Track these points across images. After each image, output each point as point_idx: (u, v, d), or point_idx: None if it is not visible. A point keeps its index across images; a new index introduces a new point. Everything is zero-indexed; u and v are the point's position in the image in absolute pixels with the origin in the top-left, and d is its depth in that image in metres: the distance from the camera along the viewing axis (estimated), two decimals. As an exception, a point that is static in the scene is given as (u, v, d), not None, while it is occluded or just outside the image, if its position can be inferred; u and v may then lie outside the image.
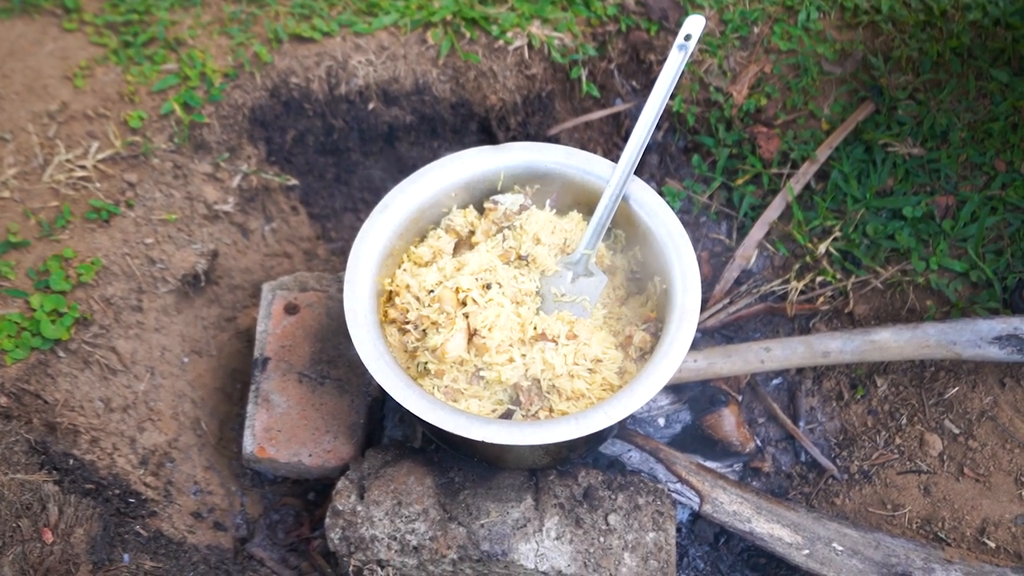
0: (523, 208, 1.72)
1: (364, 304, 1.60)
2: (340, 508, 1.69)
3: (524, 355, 1.60)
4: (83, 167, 1.95)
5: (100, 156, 1.97)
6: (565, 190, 1.74)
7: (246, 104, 2.10)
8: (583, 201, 1.75)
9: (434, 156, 1.75)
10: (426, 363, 1.63)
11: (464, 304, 1.62)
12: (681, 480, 1.81)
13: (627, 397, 1.50)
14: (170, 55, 2.11)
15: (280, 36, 2.13)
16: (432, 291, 1.64)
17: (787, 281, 2.09)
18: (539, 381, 1.59)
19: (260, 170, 2.16)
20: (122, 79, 2.07)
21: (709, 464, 1.95)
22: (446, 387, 1.61)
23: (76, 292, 1.83)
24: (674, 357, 1.52)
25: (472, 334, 1.61)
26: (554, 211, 1.74)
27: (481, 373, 1.60)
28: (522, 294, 1.67)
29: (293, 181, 2.24)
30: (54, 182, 1.92)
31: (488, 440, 1.45)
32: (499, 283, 1.64)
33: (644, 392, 1.49)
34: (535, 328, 1.61)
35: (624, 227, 1.72)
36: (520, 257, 1.69)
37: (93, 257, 1.86)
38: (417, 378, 1.63)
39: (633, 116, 2.30)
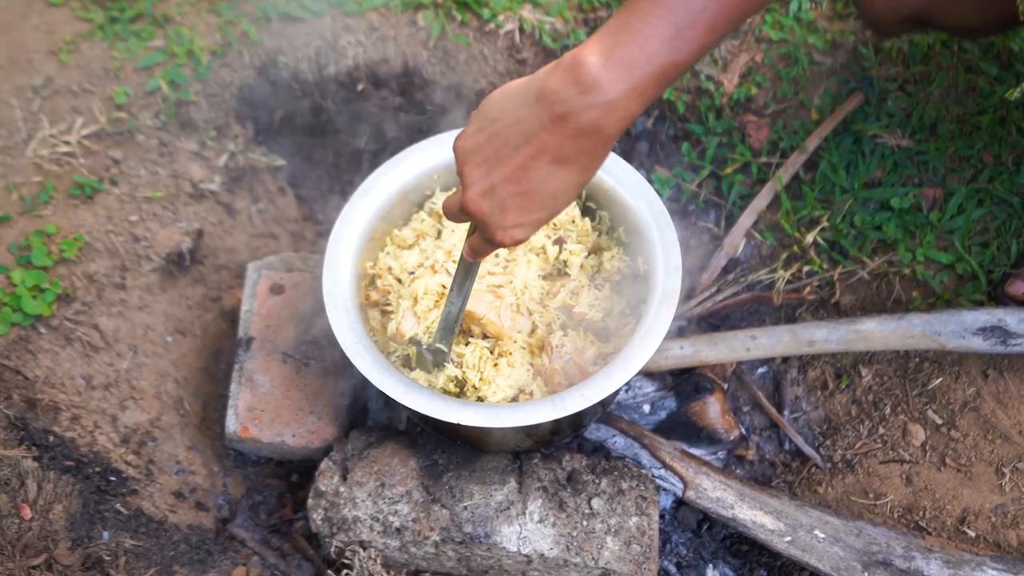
0: None
1: (344, 287, 1.59)
2: (323, 489, 1.69)
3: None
4: (67, 143, 1.93)
5: (85, 132, 1.95)
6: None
7: (234, 83, 2.08)
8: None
9: (424, 139, 1.75)
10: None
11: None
12: (665, 466, 1.81)
13: (604, 379, 1.49)
14: (157, 32, 2.09)
15: (269, 15, 2.11)
16: (413, 272, 1.64)
17: (774, 270, 2.09)
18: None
19: (247, 150, 2.15)
20: (108, 55, 2.05)
21: (693, 451, 1.95)
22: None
23: (58, 268, 1.81)
24: (653, 339, 1.51)
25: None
26: None
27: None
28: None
29: (280, 162, 2.23)
30: (37, 157, 1.90)
31: (463, 423, 1.45)
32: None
33: (622, 374, 1.49)
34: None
35: (607, 207, 1.72)
36: None
37: (76, 233, 1.84)
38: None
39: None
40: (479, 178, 1.13)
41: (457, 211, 1.19)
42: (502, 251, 1.66)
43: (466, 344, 1.60)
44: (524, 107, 1.08)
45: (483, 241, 1.22)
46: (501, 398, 1.56)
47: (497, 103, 1.13)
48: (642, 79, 1.04)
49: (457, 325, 1.49)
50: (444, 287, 1.62)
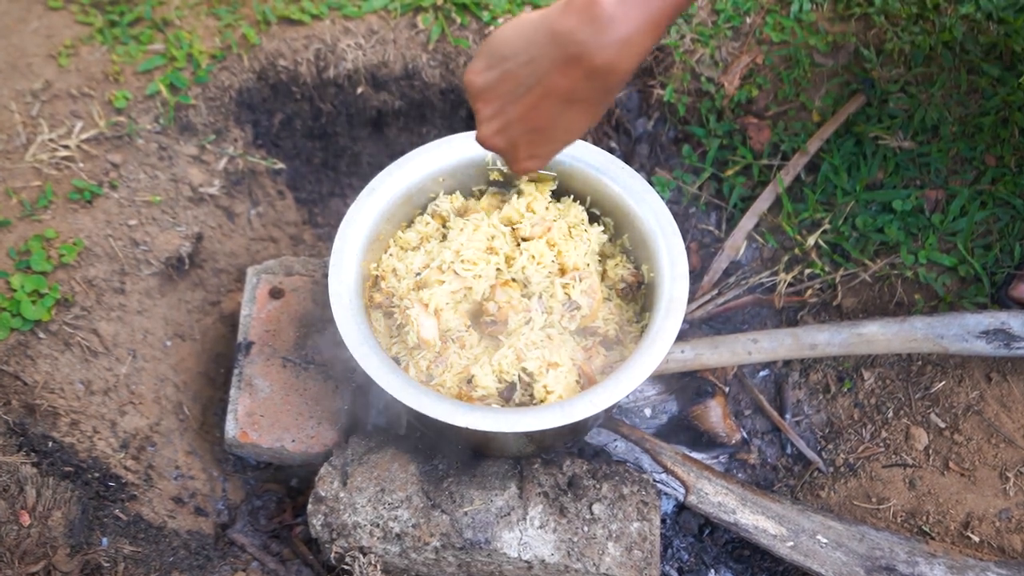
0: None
1: (350, 288, 1.58)
2: (322, 494, 1.68)
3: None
4: (66, 147, 1.92)
5: (84, 136, 1.94)
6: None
7: (233, 86, 2.08)
8: (573, 189, 1.73)
9: (423, 142, 1.74)
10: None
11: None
12: (666, 470, 1.81)
13: (612, 386, 1.48)
14: (157, 35, 2.08)
15: (268, 18, 2.10)
16: (419, 274, 1.62)
17: (776, 273, 2.08)
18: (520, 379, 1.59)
19: (247, 153, 2.14)
20: (107, 59, 2.04)
21: (695, 455, 1.95)
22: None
23: (57, 273, 1.81)
24: (661, 347, 1.51)
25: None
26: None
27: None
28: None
29: (280, 165, 2.22)
30: (36, 161, 1.90)
31: (472, 427, 1.44)
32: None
33: (630, 381, 1.48)
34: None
35: (611, 213, 1.71)
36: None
37: (75, 238, 1.84)
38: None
39: (624, 105, 2.29)
40: (491, 116, 1.19)
41: (474, 140, 1.27)
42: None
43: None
44: (536, 47, 1.08)
45: None
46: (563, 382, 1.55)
47: (509, 40, 1.12)
48: (656, 12, 1.02)
49: None
50: (454, 294, 1.61)
